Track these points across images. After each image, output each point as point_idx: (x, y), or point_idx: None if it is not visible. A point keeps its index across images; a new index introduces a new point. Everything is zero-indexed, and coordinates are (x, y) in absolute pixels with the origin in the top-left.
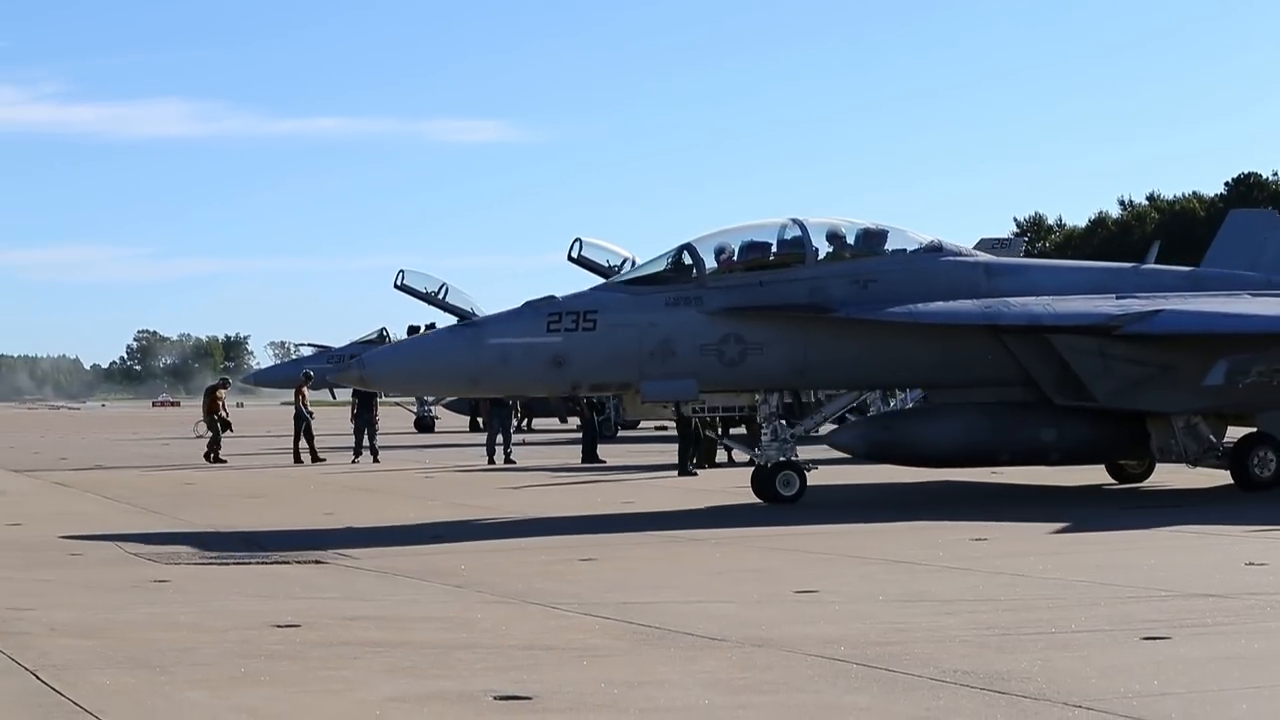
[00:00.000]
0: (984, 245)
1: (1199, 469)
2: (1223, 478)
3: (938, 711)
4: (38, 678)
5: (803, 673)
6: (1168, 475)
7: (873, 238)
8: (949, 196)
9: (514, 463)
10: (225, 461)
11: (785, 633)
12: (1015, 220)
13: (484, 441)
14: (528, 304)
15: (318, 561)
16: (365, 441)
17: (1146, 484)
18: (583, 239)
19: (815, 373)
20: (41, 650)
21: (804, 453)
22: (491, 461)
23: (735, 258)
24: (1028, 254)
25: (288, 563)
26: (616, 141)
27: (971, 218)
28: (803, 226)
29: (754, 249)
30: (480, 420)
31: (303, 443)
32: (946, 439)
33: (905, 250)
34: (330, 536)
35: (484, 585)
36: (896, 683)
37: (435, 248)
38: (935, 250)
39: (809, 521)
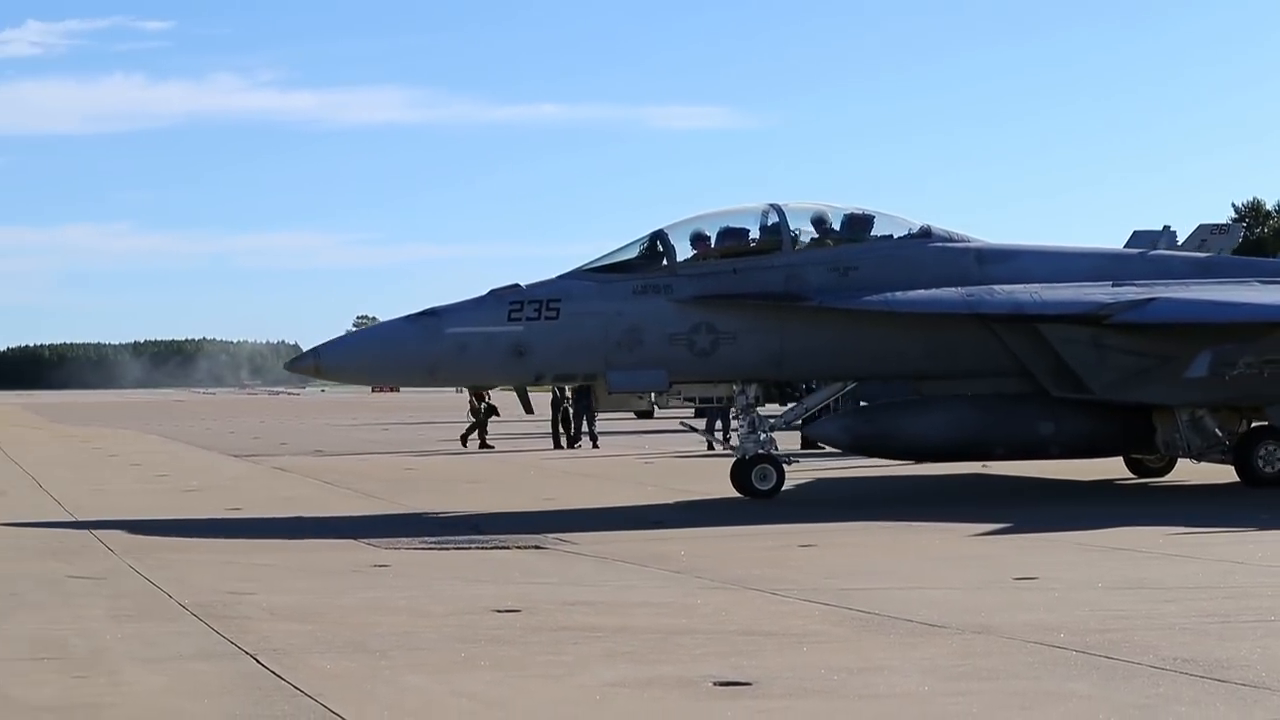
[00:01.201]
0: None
1: (1203, 465)
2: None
3: (1157, 700)
4: (257, 661)
5: (1022, 660)
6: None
7: (857, 223)
8: (1167, 184)
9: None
10: (492, 448)
11: (1004, 620)
12: (1234, 206)
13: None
14: (491, 292)
15: (538, 547)
16: (584, 427)
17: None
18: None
19: (792, 363)
20: (261, 634)
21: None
22: (711, 448)
23: (710, 245)
24: (1245, 240)
25: (508, 548)
26: (839, 128)
27: (1189, 205)
28: (780, 212)
29: (730, 235)
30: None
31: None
32: (934, 432)
33: (891, 236)
34: (550, 521)
35: (703, 571)
36: (1116, 670)
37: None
38: (924, 236)
39: (1024, 507)
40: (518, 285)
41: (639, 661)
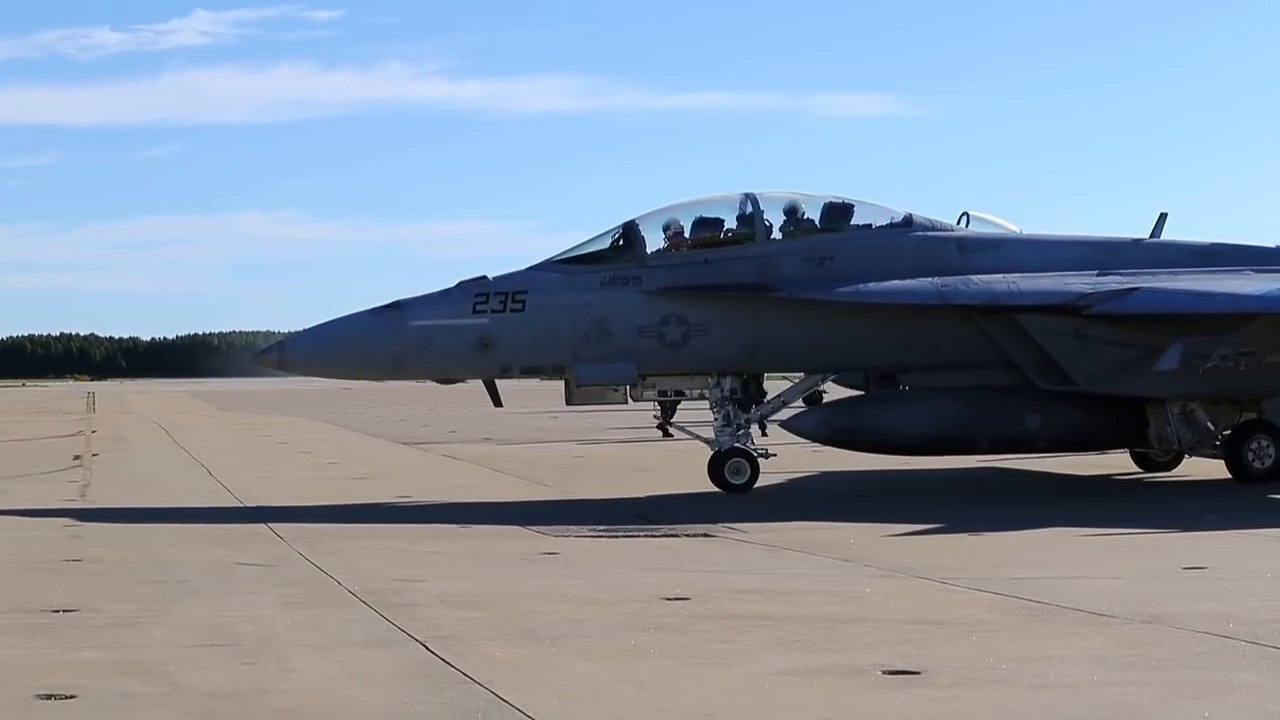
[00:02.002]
0: None
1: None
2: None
3: None
4: (427, 648)
5: (1191, 650)
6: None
7: (836, 212)
8: None
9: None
10: (672, 436)
11: (1174, 609)
12: None
13: None
14: (459, 284)
15: (707, 535)
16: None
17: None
18: (970, 213)
19: (766, 355)
20: (431, 621)
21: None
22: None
23: (682, 235)
24: None
25: (676, 535)
26: (1005, 117)
27: None
28: (754, 201)
29: (702, 226)
30: None
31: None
32: (916, 425)
33: (870, 225)
34: (719, 510)
35: (872, 559)
36: None
37: None
38: (904, 225)
39: (1194, 500)
40: (485, 277)
41: (808, 650)
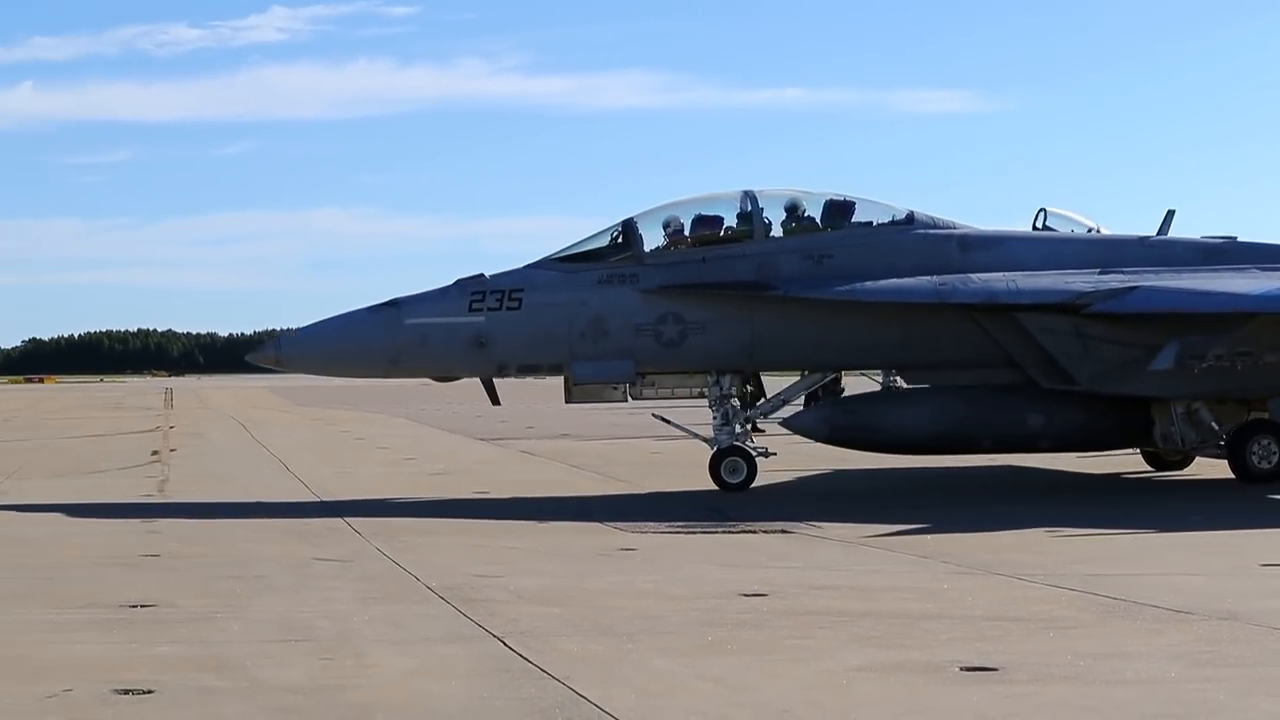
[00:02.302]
0: None
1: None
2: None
3: None
4: (505, 644)
5: (1270, 647)
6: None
7: (837, 210)
8: None
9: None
10: (762, 431)
11: (1251, 606)
12: None
13: None
14: (456, 282)
15: (784, 531)
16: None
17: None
18: (1048, 209)
19: (765, 354)
20: (508, 617)
21: None
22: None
23: (680, 233)
24: None
25: (754, 532)
26: (1082, 112)
27: None
28: (753, 199)
29: (701, 224)
30: None
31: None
32: (917, 424)
33: (871, 223)
34: (797, 506)
35: (949, 555)
36: None
37: None
38: (905, 223)
39: (1254, 498)
40: (482, 275)
41: (885, 646)
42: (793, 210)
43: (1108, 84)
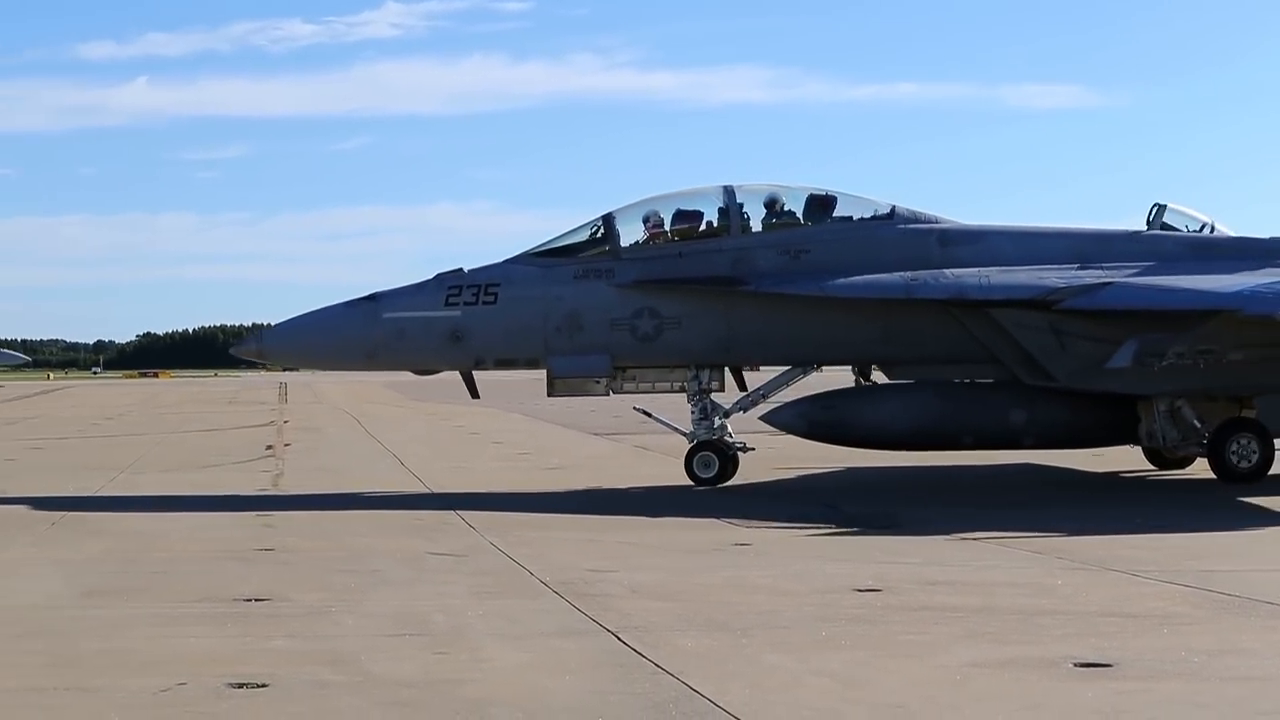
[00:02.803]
0: None
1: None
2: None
3: None
4: (619, 639)
5: None
6: None
7: (817, 204)
8: None
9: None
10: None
11: None
12: None
13: None
14: (436, 276)
15: (897, 526)
16: None
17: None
18: (1163, 204)
19: (742, 348)
20: (622, 612)
21: None
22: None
23: (660, 228)
24: None
25: (868, 526)
26: (1197, 106)
27: None
28: (731, 194)
29: (679, 219)
30: None
31: None
32: (895, 420)
33: (850, 218)
34: (910, 500)
35: (1064, 551)
36: None
37: (1013, 213)
38: (886, 218)
39: None
40: (460, 270)
41: (999, 642)
42: (772, 205)
43: (1222, 77)
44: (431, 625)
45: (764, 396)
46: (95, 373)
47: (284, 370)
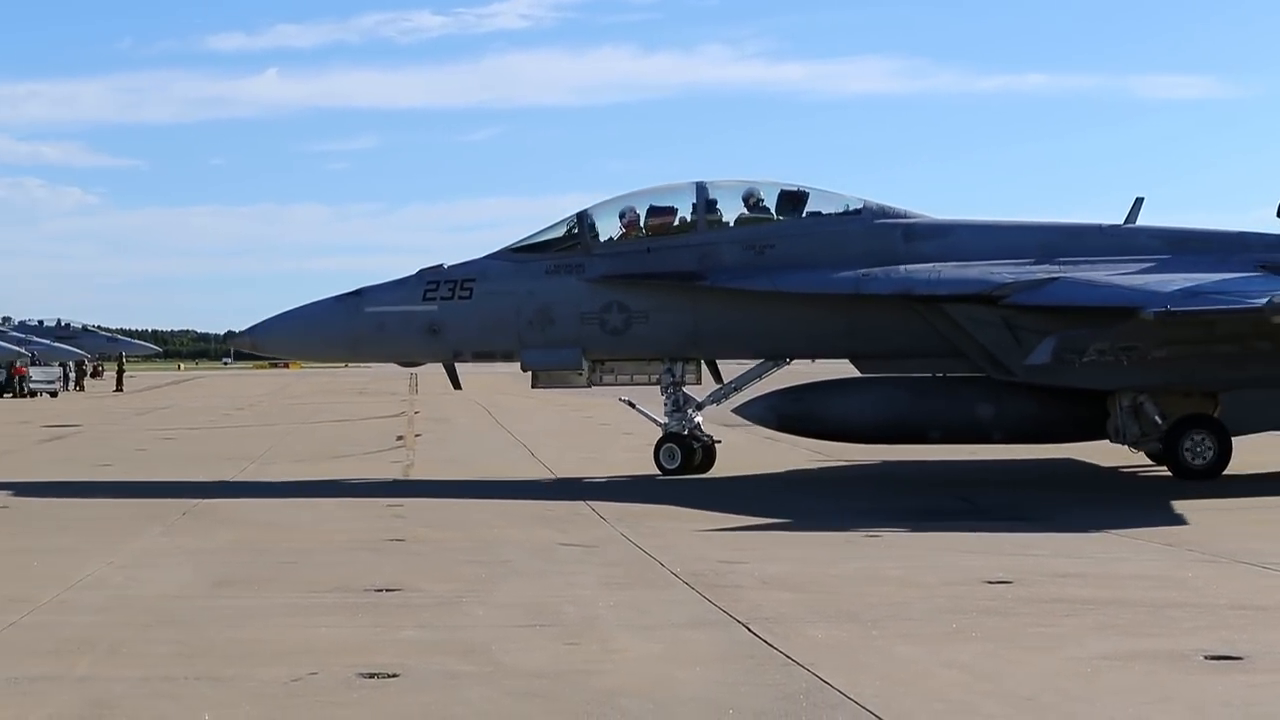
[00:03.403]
0: None
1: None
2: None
3: None
4: (749, 630)
5: None
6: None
7: (788, 200)
8: None
9: None
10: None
11: None
12: None
13: None
14: (418, 271)
15: (1029, 519)
16: None
17: None
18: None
19: (710, 342)
20: (753, 603)
21: None
22: None
23: (633, 224)
24: None
25: (999, 519)
26: None
27: None
28: (701, 190)
29: (652, 214)
30: None
31: None
32: (863, 413)
33: (819, 213)
34: (1041, 493)
35: (1193, 543)
36: None
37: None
38: (854, 214)
39: None
40: (441, 265)
41: (1130, 634)
42: (744, 201)
43: None
44: (562, 616)
45: (736, 389)
46: (226, 363)
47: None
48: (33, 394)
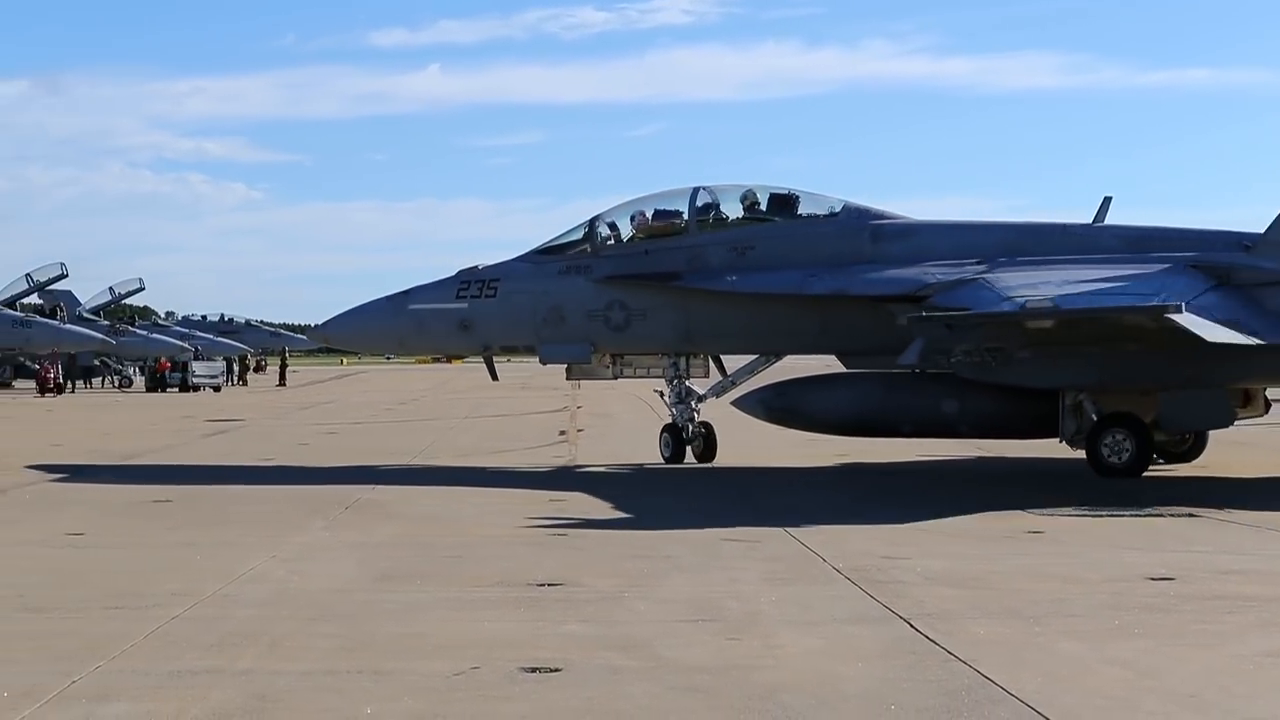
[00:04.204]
0: None
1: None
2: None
3: None
4: (911, 626)
5: None
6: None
7: (776, 203)
8: None
9: None
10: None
11: None
12: None
13: None
14: (457, 272)
15: (1191, 514)
16: None
17: None
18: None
19: (701, 339)
20: (915, 599)
21: None
22: None
23: (635, 227)
24: None
25: (1161, 515)
26: None
27: None
28: (695, 194)
29: (657, 217)
30: None
31: None
32: (839, 407)
33: (800, 216)
34: (1204, 490)
35: None
36: None
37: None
38: (832, 216)
39: None
40: (476, 267)
41: None
42: (736, 204)
43: None
44: (725, 611)
45: (734, 383)
46: (388, 358)
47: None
48: (196, 389)
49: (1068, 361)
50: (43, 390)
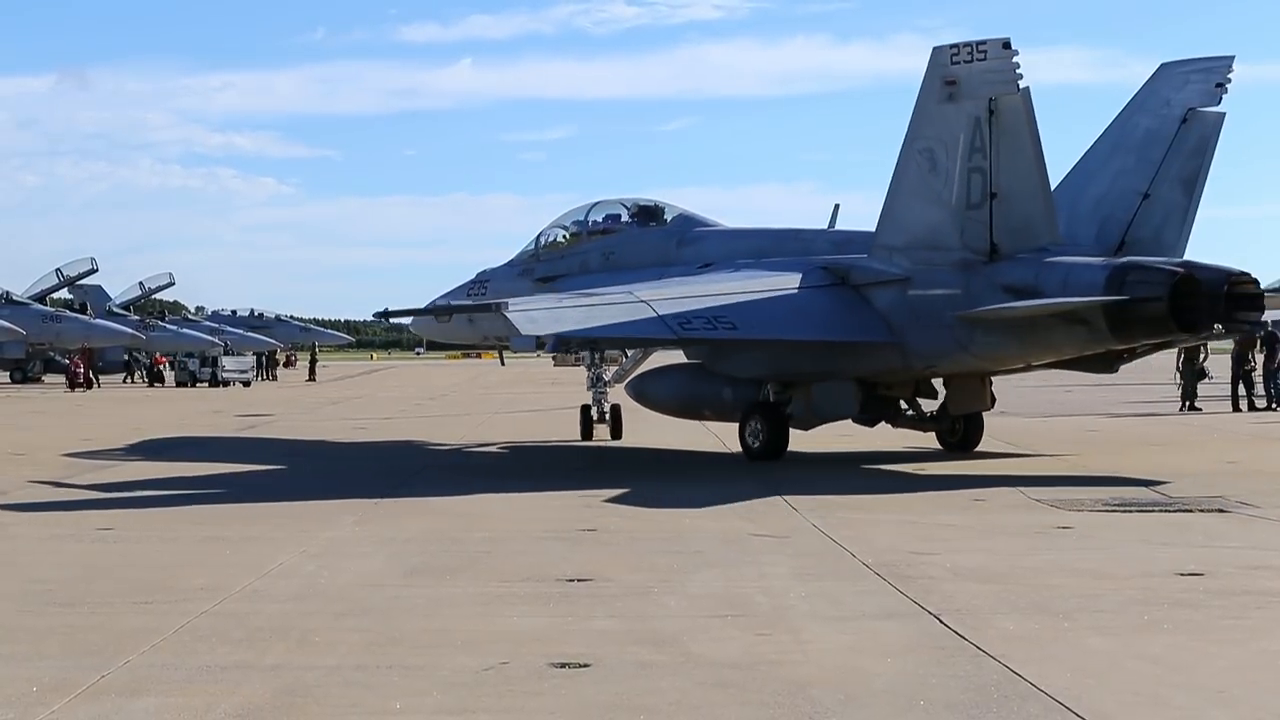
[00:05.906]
0: None
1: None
2: None
3: None
4: (940, 621)
5: None
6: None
7: (643, 212)
8: None
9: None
10: (1200, 410)
11: None
12: None
13: None
14: (476, 275)
15: (1220, 510)
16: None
17: None
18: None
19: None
20: (944, 594)
21: None
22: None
23: (566, 235)
24: None
25: (1190, 511)
26: None
27: None
28: (590, 208)
29: (577, 226)
30: None
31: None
32: (665, 393)
33: (649, 224)
34: (1233, 485)
35: None
36: None
37: None
38: (665, 224)
39: None
40: (485, 270)
41: None
42: (622, 214)
43: None
44: (754, 606)
45: (626, 371)
46: (418, 353)
47: None
48: (226, 383)
49: (759, 355)
50: (72, 385)
